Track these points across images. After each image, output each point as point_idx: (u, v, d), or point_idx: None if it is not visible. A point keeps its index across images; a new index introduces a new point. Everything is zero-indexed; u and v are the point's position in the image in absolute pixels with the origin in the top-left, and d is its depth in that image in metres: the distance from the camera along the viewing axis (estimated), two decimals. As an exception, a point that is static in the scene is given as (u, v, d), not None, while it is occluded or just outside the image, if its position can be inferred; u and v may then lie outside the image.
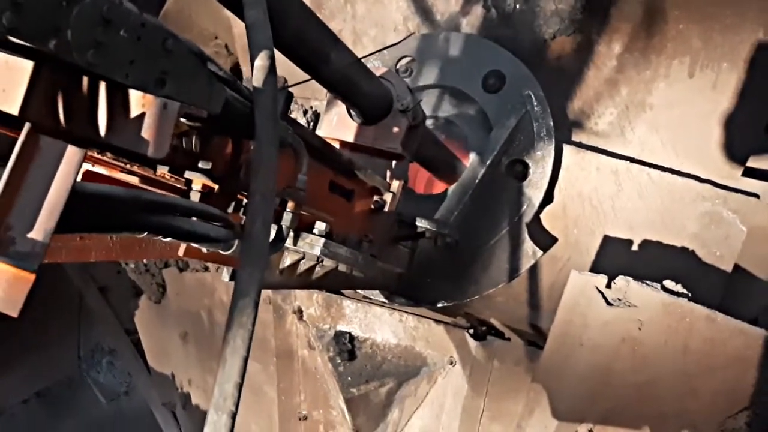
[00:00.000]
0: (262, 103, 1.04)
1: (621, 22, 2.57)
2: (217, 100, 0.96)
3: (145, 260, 4.09)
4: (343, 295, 3.08)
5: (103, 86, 0.87)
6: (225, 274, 1.61)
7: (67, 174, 0.74)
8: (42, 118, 0.86)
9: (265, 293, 3.20)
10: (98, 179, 1.27)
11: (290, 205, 1.28)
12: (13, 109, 0.83)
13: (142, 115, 0.85)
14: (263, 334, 3.29)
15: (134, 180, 1.31)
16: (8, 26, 0.63)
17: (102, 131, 0.86)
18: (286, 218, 1.28)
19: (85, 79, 0.87)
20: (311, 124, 3.06)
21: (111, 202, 0.86)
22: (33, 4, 0.66)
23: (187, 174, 1.22)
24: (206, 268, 3.62)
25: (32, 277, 0.71)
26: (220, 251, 1.16)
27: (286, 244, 1.75)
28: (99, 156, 1.09)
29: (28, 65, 0.84)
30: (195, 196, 1.25)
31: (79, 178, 1.26)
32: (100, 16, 0.74)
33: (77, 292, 5.12)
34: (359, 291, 2.92)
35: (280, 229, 1.28)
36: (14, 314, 0.70)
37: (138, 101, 0.85)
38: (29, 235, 0.72)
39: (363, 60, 1.97)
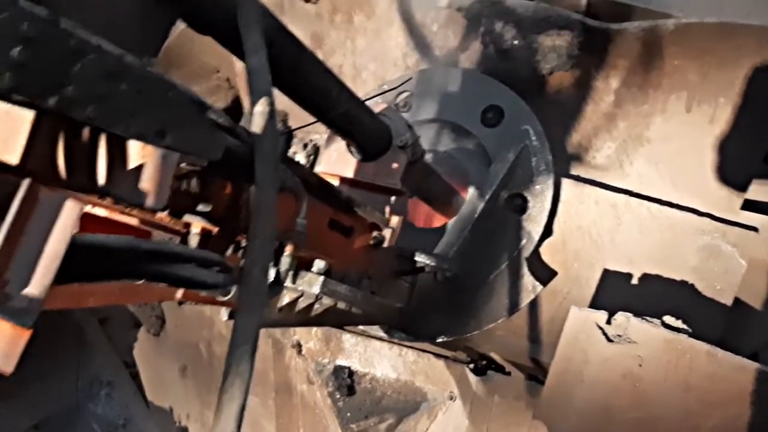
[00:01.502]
0: (262, 149, 1.04)
1: (618, 57, 2.60)
2: (218, 148, 0.96)
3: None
4: (342, 329, 3.06)
5: (103, 136, 0.87)
6: (223, 312, 1.61)
7: (66, 227, 0.74)
8: (42, 168, 0.86)
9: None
10: (97, 221, 1.27)
11: (289, 248, 1.29)
12: (14, 159, 0.84)
13: (141, 166, 0.85)
14: (262, 367, 3.27)
15: (134, 221, 1.31)
16: (9, 86, 0.64)
17: (101, 181, 0.86)
18: (285, 261, 1.28)
19: (85, 129, 0.88)
20: (311, 157, 3.07)
21: (109, 252, 0.86)
22: (36, 63, 0.66)
23: (186, 217, 1.22)
24: (205, 301, 3.59)
25: (28, 333, 0.70)
26: (220, 297, 1.16)
27: (287, 284, 1.75)
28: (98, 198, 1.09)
29: (29, 115, 0.84)
30: (194, 239, 1.25)
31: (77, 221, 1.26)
32: (103, 70, 0.75)
33: (77, 323, 5.10)
34: (360, 327, 2.91)
35: (278, 273, 1.28)
36: (9, 370, 0.70)
37: (137, 152, 0.86)
38: (26, 291, 0.72)
39: (369, 101, 1.99)
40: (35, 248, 0.73)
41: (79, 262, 0.82)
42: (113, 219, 1.28)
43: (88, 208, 1.28)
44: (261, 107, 1.07)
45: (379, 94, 1.96)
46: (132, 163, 0.86)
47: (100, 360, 5.21)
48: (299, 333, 3.12)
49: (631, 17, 2.58)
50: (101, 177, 0.87)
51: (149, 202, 0.85)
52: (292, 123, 3.26)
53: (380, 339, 2.93)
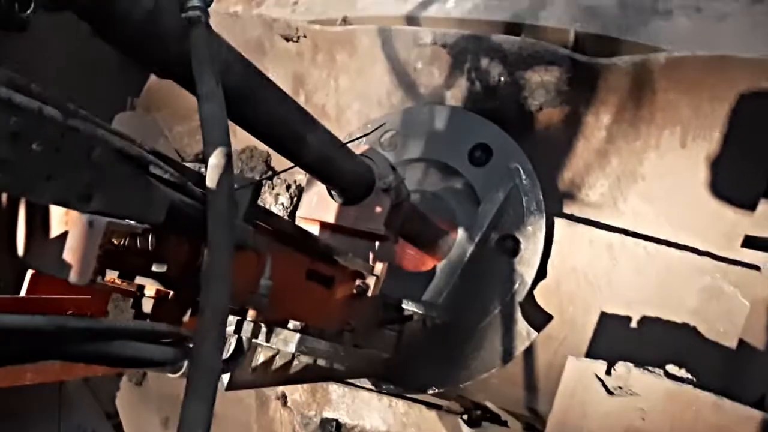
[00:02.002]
0: (216, 206, 0.93)
1: (609, 93, 2.51)
2: (159, 209, 0.85)
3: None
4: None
5: (23, 202, 0.76)
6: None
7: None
8: (-46, 238, 0.75)
9: (248, 378, 3.04)
10: (47, 283, 1.15)
11: (251, 313, 1.17)
12: None
13: (64, 235, 0.74)
14: (245, 419, 3.12)
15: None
16: None
17: (20, 252, 0.75)
18: (247, 329, 1.16)
19: (3, 196, 0.76)
20: (294, 199, 2.96)
21: (29, 335, 0.74)
22: None
23: (139, 279, 1.11)
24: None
25: None
26: (170, 374, 1.03)
27: (258, 341, 1.62)
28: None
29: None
30: (147, 303, 1.13)
31: (26, 283, 1.14)
32: (9, 129, 0.63)
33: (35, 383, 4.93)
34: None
35: (240, 341, 1.16)
36: None
37: (60, 218, 0.75)
38: None
39: (350, 143, 1.88)
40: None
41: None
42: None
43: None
44: (215, 159, 0.96)
45: (362, 136, 1.86)
46: (54, 232, 0.74)
47: (82, 410, 5.04)
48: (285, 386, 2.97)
49: (620, 51, 2.50)
50: (20, 248, 0.75)
51: (72, 276, 0.73)
52: (275, 164, 3.17)
53: (369, 390, 2.79)
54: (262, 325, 1.61)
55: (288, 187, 2.94)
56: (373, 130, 2.01)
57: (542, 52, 2.48)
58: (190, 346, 0.94)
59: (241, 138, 3.27)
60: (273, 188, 2.97)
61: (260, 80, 1.45)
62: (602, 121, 2.57)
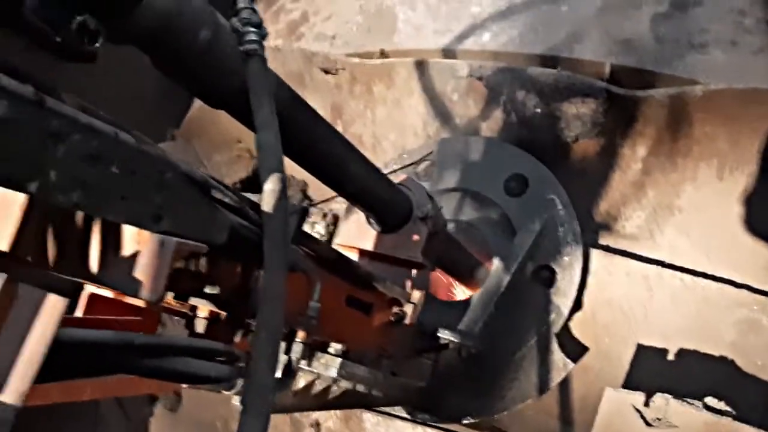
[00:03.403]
0: (272, 230, 0.97)
1: (645, 125, 2.53)
2: (221, 231, 0.90)
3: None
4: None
5: (97, 221, 0.81)
6: (235, 399, 1.51)
7: (47, 326, 0.67)
8: (32, 255, 0.79)
9: (282, 405, 3.06)
10: (104, 302, 1.20)
11: (300, 335, 1.20)
12: (3, 246, 0.77)
13: (136, 253, 0.78)
14: (279, 447, 3.13)
15: (141, 303, 1.23)
16: (-20, 173, 0.57)
17: (94, 269, 0.79)
18: (296, 349, 1.19)
19: (79, 213, 0.81)
20: (331, 227, 3.00)
21: (99, 348, 0.78)
22: (11, 146, 0.60)
23: (193, 300, 1.15)
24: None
25: (1, 441, 0.62)
26: (225, 391, 1.07)
27: (301, 365, 1.65)
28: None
29: (20, 199, 0.78)
30: (200, 324, 1.17)
31: (83, 302, 1.19)
32: (90, 153, 0.68)
33: (93, 400, 5.00)
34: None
35: (290, 361, 1.19)
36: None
37: (132, 238, 0.79)
38: (3, 395, 0.64)
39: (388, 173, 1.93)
40: (12, 350, 0.66)
41: (66, 360, 0.74)
42: (120, 300, 1.21)
43: (94, 289, 1.21)
44: (271, 185, 1.00)
45: (401, 168, 1.90)
46: (126, 250, 0.79)
47: (116, 435, 5.08)
48: (318, 412, 2.99)
49: (656, 84, 2.52)
50: (93, 264, 0.80)
51: (144, 293, 0.77)
52: (312, 193, 3.22)
53: (403, 419, 2.79)
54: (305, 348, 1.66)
55: (324, 216, 2.98)
56: (420, 159, 2.04)
57: (578, 84, 2.51)
58: (242, 365, 0.97)
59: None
60: (309, 216, 3.02)
61: (309, 112, 1.50)
62: (638, 153, 2.58)
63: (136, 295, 0.77)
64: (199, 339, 1.06)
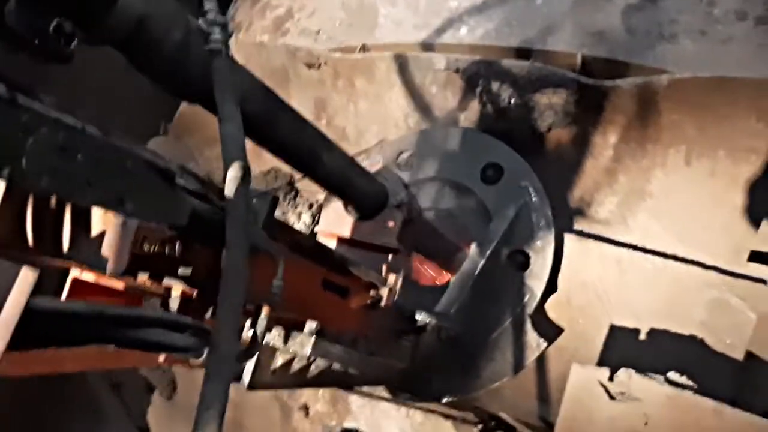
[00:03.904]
0: (233, 213, 1.06)
1: (615, 113, 2.62)
2: (182, 214, 0.99)
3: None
4: (349, 389, 3.03)
5: (68, 205, 0.90)
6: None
7: (20, 294, 0.76)
8: (11, 237, 0.89)
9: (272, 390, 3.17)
10: (86, 286, 1.29)
11: (265, 309, 1.30)
12: (-16, 229, 0.87)
13: (103, 233, 0.88)
14: (270, 430, 3.23)
15: (119, 285, 1.33)
16: (-42, 160, 0.67)
17: (65, 248, 0.89)
18: (261, 323, 1.29)
19: (52, 199, 0.91)
20: (316, 217, 3.10)
21: (71, 318, 0.88)
22: (-15, 138, 0.70)
23: (167, 281, 1.24)
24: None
25: (-21, 399, 0.72)
26: (190, 360, 1.16)
27: (277, 344, 1.75)
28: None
29: (1, 184, 0.87)
30: (174, 303, 1.26)
31: (67, 287, 1.29)
32: (57, 144, 0.78)
33: (90, 389, 5.10)
34: (365, 388, 2.88)
35: (255, 334, 1.29)
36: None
37: (99, 219, 0.88)
38: (-23, 358, 0.74)
39: (361, 155, 2.02)
40: (-11, 315, 0.75)
41: (40, 329, 0.84)
42: (100, 284, 1.31)
43: (77, 273, 1.31)
44: (233, 172, 1.10)
45: (362, 152, 1.98)
46: (94, 231, 0.88)
47: (115, 426, 5.19)
48: (306, 395, 3.09)
49: (627, 74, 2.61)
50: (65, 243, 0.90)
51: (109, 267, 0.87)
52: (298, 184, 3.32)
53: (387, 400, 2.89)
54: (281, 328, 1.76)
55: (310, 206, 3.08)
56: (374, 146, 2.14)
57: (550, 75, 2.60)
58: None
59: (265, 160, 3.44)
60: (296, 207, 3.12)
61: (279, 104, 1.60)
62: (609, 141, 2.67)
63: (102, 270, 0.87)
64: (168, 312, 1.15)
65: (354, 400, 2.99)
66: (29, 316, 0.80)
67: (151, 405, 4.61)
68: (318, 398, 3.06)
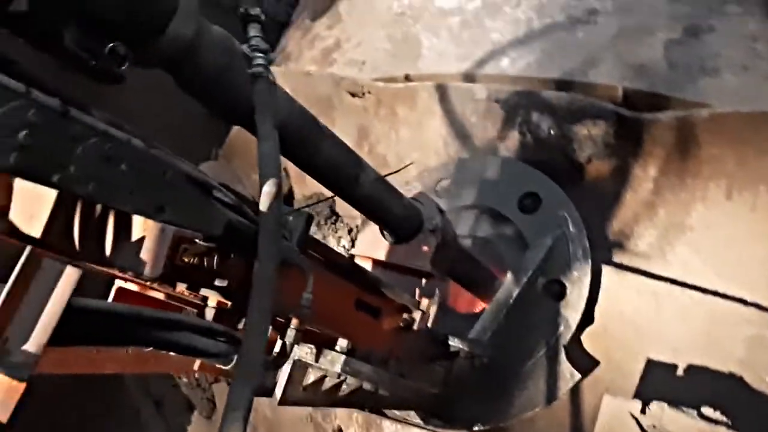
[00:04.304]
0: (266, 226, 1.12)
1: (655, 146, 2.62)
2: (217, 224, 1.05)
3: (172, 373, 4.16)
4: (383, 415, 3.05)
5: (112, 213, 0.97)
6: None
7: (64, 291, 0.83)
8: (59, 241, 0.96)
9: (306, 410, 3.21)
10: (129, 294, 1.37)
11: (294, 322, 1.34)
12: (36, 233, 0.94)
13: (142, 239, 0.94)
14: (304, 453, 3.26)
15: (160, 295, 1.40)
16: (14, 164, 0.74)
17: (108, 252, 0.95)
18: (290, 334, 1.33)
19: (98, 207, 0.98)
20: (355, 241, 3.15)
21: (111, 317, 0.94)
22: (41, 145, 0.77)
23: (203, 291, 1.31)
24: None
25: (23, 386, 0.78)
26: (221, 366, 1.22)
27: (308, 360, 1.80)
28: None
29: (52, 194, 0.95)
30: (210, 312, 1.32)
31: (112, 295, 1.36)
32: (103, 153, 0.85)
33: (134, 404, 5.22)
34: (397, 412, 2.89)
35: (284, 345, 1.33)
36: (3, 420, 0.77)
37: (140, 225, 0.95)
38: (24, 348, 0.80)
39: (391, 175, 2.06)
40: (35, 309, 0.82)
41: (80, 325, 0.90)
42: (143, 293, 1.38)
43: (121, 283, 1.39)
44: (268, 188, 1.16)
45: (394, 172, 2.02)
46: (135, 236, 0.95)
47: (155, 441, 5.29)
48: (340, 418, 3.12)
49: (668, 107, 2.61)
50: (108, 249, 0.96)
51: (146, 271, 0.93)
52: (339, 209, 3.39)
53: (419, 426, 2.90)
54: (313, 346, 1.80)
55: (350, 231, 3.14)
56: (402, 168, 2.18)
57: (589, 106, 2.63)
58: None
59: (309, 184, 3.52)
60: (336, 231, 3.18)
61: (317, 127, 1.67)
62: (649, 173, 2.67)
63: (140, 274, 0.93)
64: (202, 319, 1.21)
65: (387, 425, 3.00)
66: (71, 313, 0.86)
67: (192, 424, 4.69)
68: (352, 422, 3.08)
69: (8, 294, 0.80)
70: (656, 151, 2.62)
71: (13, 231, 0.94)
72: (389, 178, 2.04)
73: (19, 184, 0.96)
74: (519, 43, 3.01)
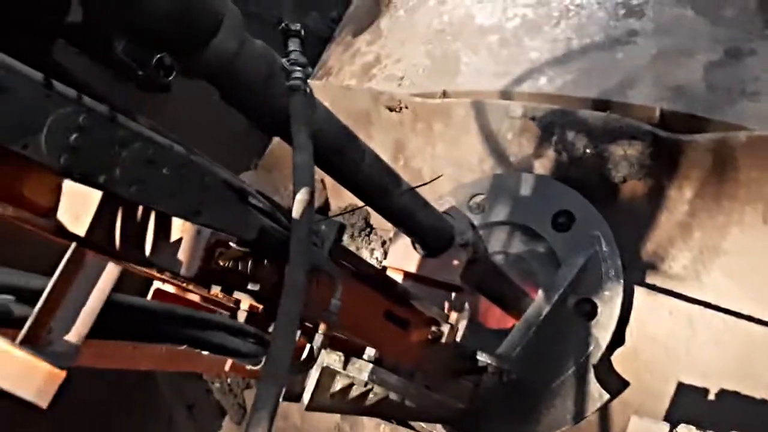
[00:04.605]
0: (298, 232, 1.16)
1: (691, 168, 2.60)
2: (251, 229, 1.10)
3: (204, 373, 4.22)
4: (410, 428, 3.06)
5: (152, 215, 1.02)
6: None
7: (105, 286, 0.88)
8: (102, 241, 1.01)
9: (334, 420, 3.24)
10: (166, 296, 1.42)
11: (322, 327, 1.38)
12: (81, 232, 1.00)
13: (180, 240, 0.99)
14: (333, 463, 3.29)
15: (196, 298, 1.45)
16: (64, 165, 0.79)
17: (147, 252, 1.00)
18: (317, 339, 1.37)
19: (139, 209, 1.03)
20: (388, 254, 3.19)
21: (147, 314, 0.99)
22: (89, 148, 0.82)
23: (236, 294, 1.36)
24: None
25: (63, 374, 0.83)
26: (250, 366, 1.26)
27: (336, 367, 1.83)
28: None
29: (98, 196, 1.01)
30: (242, 315, 1.37)
31: (150, 295, 1.42)
32: (146, 157, 0.90)
33: (167, 408, 5.31)
34: (424, 425, 2.90)
35: (311, 349, 1.37)
36: (44, 405, 0.82)
37: (178, 227, 1.00)
38: (65, 338, 0.85)
39: (425, 190, 2.10)
40: (77, 303, 0.87)
41: (118, 320, 0.95)
42: (179, 295, 1.43)
43: (159, 284, 1.44)
44: (301, 196, 1.20)
45: (423, 184, 2.06)
46: (173, 237, 1.00)
47: (187, 446, 5.36)
48: (368, 429, 3.14)
49: (706, 129, 2.60)
50: (147, 248, 1.01)
51: (182, 270, 0.98)
52: (373, 221, 3.43)
53: (447, 440, 2.91)
54: (342, 353, 1.84)
55: (383, 243, 3.18)
56: (432, 180, 2.22)
57: (626, 126, 2.63)
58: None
59: (344, 197, 3.57)
60: (370, 243, 3.22)
61: (351, 139, 1.71)
62: (685, 195, 2.65)
63: (177, 273, 0.98)
64: (234, 321, 1.25)
65: (414, 438, 3.01)
66: (111, 307, 0.91)
67: (222, 429, 4.75)
68: (379, 433, 3.10)
69: (53, 287, 0.85)
70: (693, 172, 2.60)
71: (60, 230, 1.00)
72: (422, 193, 2.08)
73: (67, 186, 1.01)
74: (557, 62, 3.02)
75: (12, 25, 0.87)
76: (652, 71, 2.81)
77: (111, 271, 0.90)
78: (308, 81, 1.47)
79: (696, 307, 2.56)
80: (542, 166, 2.91)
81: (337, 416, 3.21)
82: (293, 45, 1.45)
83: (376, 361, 1.82)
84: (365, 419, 3.08)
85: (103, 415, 4.68)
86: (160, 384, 5.27)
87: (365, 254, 3.23)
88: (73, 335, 0.86)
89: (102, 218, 1.01)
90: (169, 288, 1.44)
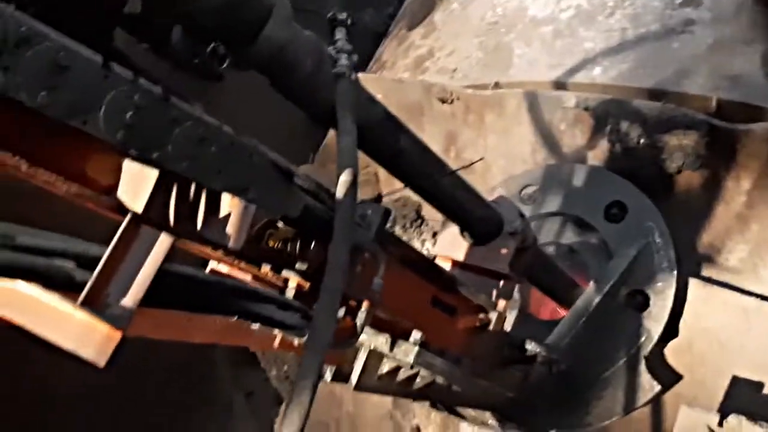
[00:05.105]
0: (341, 212, 1.22)
1: (749, 158, 2.55)
2: (295, 207, 1.15)
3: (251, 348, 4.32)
4: (462, 417, 3.09)
5: (204, 192, 1.09)
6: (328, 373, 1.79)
7: (158, 255, 0.95)
8: (157, 216, 1.08)
9: (386, 407, 3.29)
10: (220, 275, 1.50)
11: (365, 304, 1.43)
12: (138, 208, 1.07)
13: (228, 215, 1.06)
14: (382, 449, 3.34)
15: (247, 277, 1.53)
16: (121, 141, 0.86)
17: (199, 226, 1.07)
18: (361, 316, 1.42)
19: (192, 186, 1.10)
20: (438, 245, 3.22)
21: (198, 284, 1.05)
22: (144, 125, 0.89)
23: (284, 273, 1.42)
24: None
25: (119, 335, 0.90)
26: (297, 340, 1.32)
27: (383, 350, 1.88)
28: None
29: (154, 174, 1.08)
30: (290, 292, 1.43)
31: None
32: (197, 136, 0.96)
33: (227, 395, 5.47)
34: (473, 413, 2.92)
35: (355, 326, 1.42)
36: (101, 364, 0.89)
37: (227, 203, 1.06)
38: (122, 302, 0.92)
39: (475, 181, 2.12)
40: (132, 270, 0.94)
41: (170, 288, 1.02)
42: (232, 274, 1.51)
43: (214, 264, 1.52)
44: (345, 177, 1.25)
45: (463, 167, 2.08)
46: (222, 212, 1.06)
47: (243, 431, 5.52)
48: (419, 416, 3.18)
49: (763, 119, 2.54)
50: (199, 223, 1.08)
51: (230, 243, 1.04)
52: (425, 213, 3.47)
53: (496, 430, 2.92)
54: (388, 336, 1.88)
55: (434, 235, 3.21)
56: (473, 163, 2.24)
57: (681, 116, 2.59)
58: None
59: (397, 188, 3.62)
60: (421, 235, 3.26)
61: (398, 126, 1.75)
62: (743, 187, 2.60)
63: (225, 246, 1.04)
64: (281, 295, 1.32)
65: (464, 427, 3.03)
66: (163, 276, 0.98)
67: (279, 417, 4.88)
68: (430, 421, 3.13)
69: (110, 254, 0.92)
70: (751, 163, 2.55)
71: (120, 207, 1.07)
72: (473, 183, 2.10)
73: (126, 166, 1.09)
74: (612, 53, 3.00)
75: (74, 13, 0.94)
76: (708, 61, 2.76)
77: (164, 241, 0.96)
78: (362, 74, 1.52)
79: (752, 299, 2.50)
80: (595, 157, 2.89)
81: (389, 404, 3.26)
82: (339, 34, 1.50)
83: (422, 345, 1.86)
84: (416, 406, 3.12)
85: (168, 400, 4.86)
86: (219, 373, 5.43)
87: (417, 245, 3.27)
88: (129, 299, 0.92)
89: (157, 196, 1.07)
90: (223, 267, 1.52)
